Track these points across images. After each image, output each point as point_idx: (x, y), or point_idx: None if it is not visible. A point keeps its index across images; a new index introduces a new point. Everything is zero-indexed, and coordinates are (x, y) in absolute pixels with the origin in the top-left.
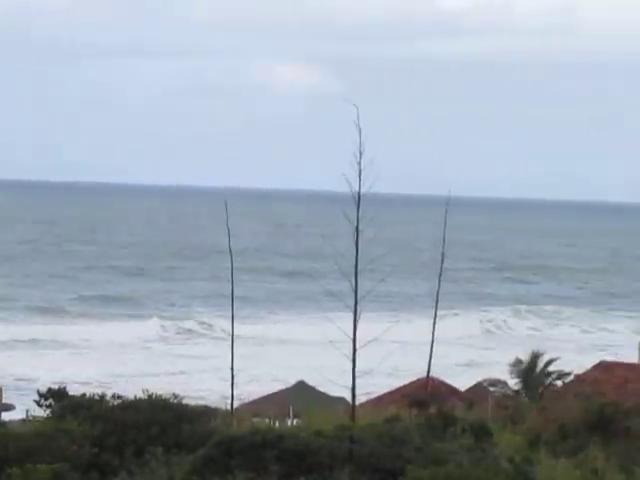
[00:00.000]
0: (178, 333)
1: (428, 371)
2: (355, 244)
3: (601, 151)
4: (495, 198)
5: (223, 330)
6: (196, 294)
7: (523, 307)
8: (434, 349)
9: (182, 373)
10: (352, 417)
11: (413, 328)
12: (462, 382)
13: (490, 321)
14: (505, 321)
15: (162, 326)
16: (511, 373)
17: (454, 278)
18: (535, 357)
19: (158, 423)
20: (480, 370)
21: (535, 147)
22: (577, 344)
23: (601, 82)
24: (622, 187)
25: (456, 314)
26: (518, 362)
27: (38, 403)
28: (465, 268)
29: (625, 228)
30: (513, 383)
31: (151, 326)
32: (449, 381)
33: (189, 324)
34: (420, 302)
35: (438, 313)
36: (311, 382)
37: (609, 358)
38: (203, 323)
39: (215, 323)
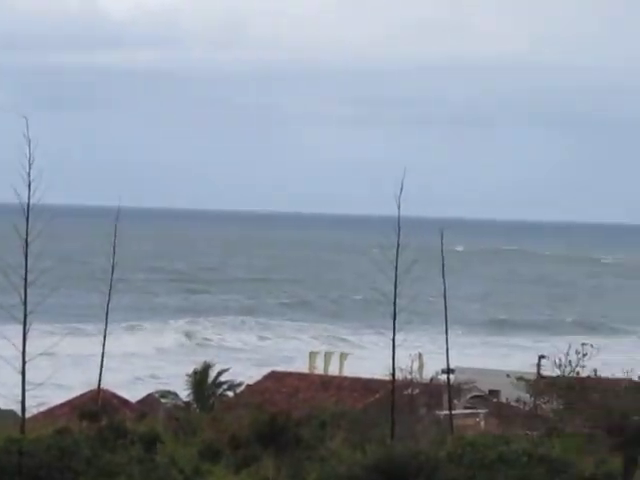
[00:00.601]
0: None
1: (99, 383)
2: (24, 256)
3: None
4: (176, 209)
5: None
6: None
7: (201, 319)
8: (113, 362)
9: None
10: (22, 430)
11: (87, 341)
12: (137, 394)
13: (172, 332)
14: (187, 333)
15: None
16: (187, 384)
17: (130, 289)
18: (207, 368)
19: None
20: (157, 382)
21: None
22: (254, 354)
23: (267, 93)
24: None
25: (133, 326)
26: (194, 373)
27: None
28: (142, 279)
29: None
30: (185, 394)
31: None
32: (124, 393)
33: None
34: (96, 314)
35: (121, 325)
36: None
37: (281, 368)
38: None
39: None
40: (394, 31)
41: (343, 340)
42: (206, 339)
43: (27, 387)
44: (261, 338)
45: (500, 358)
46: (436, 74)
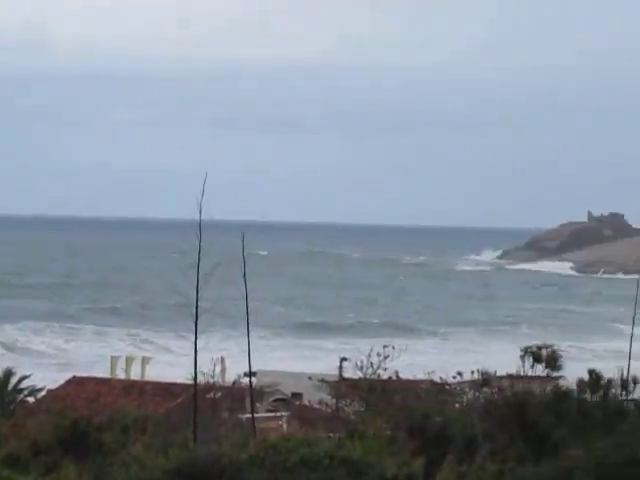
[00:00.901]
0: None
1: None
2: None
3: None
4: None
5: None
6: None
7: (6, 325)
8: None
9: None
10: None
11: None
12: None
13: None
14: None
15: None
16: None
17: None
18: (8, 374)
19: None
20: None
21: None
22: (57, 358)
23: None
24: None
25: None
26: None
27: None
28: None
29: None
30: None
31: None
32: None
33: None
34: None
35: None
36: None
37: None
38: None
39: None
40: (202, 33)
41: (149, 343)
42: (9, 344)
43: None
44: (66, 341)
45: (305, 361)
46: (244, 76)
